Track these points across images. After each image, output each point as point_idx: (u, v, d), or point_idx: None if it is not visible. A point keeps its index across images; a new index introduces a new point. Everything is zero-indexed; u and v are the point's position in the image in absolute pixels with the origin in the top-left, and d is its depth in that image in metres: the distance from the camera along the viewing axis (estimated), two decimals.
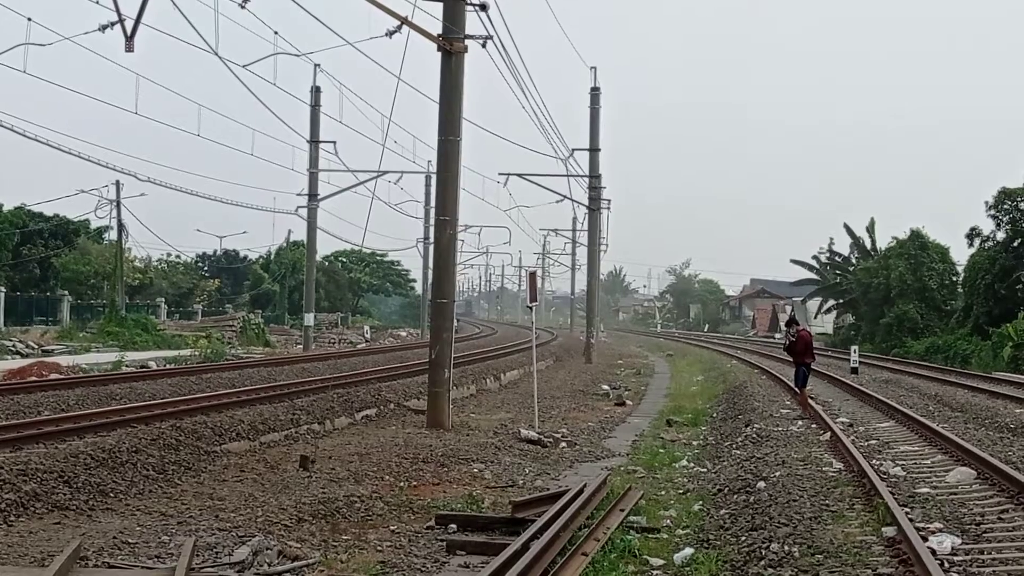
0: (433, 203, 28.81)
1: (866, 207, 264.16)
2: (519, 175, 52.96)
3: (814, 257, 76.35)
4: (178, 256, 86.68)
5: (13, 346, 43.22)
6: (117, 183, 62.30)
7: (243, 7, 21.61)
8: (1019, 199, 49.94)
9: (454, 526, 12.56)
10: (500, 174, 53.36)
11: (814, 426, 21.92)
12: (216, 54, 23.88)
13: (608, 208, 60.48)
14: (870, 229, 68.97)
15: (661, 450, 20.22)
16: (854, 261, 70.13)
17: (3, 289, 57.90)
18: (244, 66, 26.60)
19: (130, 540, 11.34)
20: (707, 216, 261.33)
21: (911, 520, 11.55)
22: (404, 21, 21.16)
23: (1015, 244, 48.58)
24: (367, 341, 67.52)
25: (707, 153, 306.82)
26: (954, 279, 58.52)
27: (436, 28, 21.35)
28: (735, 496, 14.47)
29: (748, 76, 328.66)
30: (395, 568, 10.68)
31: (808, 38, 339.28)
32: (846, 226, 71.21)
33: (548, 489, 14.75)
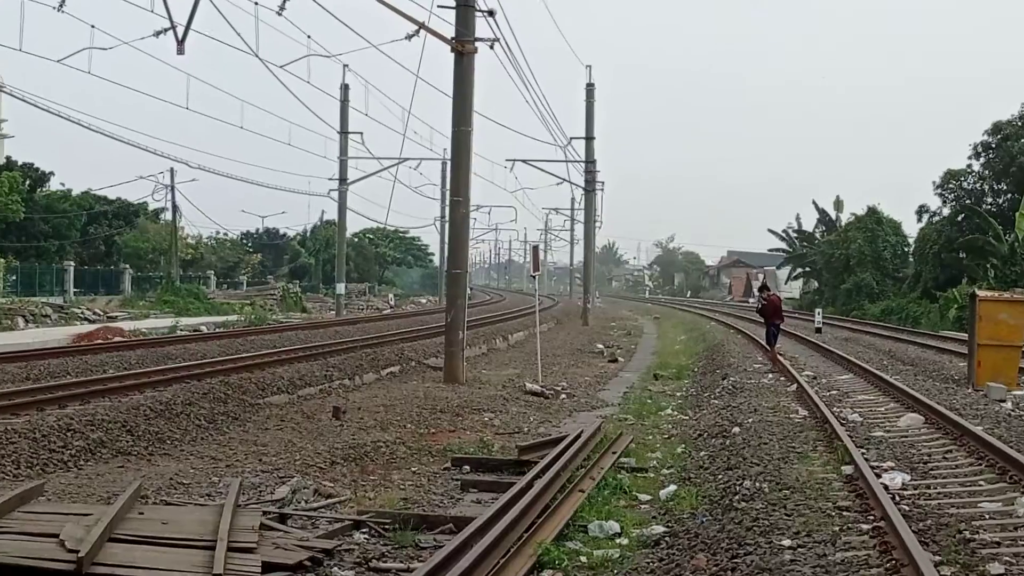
0: (448, 186, 28.72)
1: (832, 183, 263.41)
2: (524, 161, 52.94)
3: (784, 231, 76.18)
4: (225, 234, 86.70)
5: (82, 313, 43.26)
6: (171, 170, 62.51)
7: (280, 14, 21.54)
8: (962, 179, 49.94)
9: (467, 467, 12.62)
10: (507, 160, 53.36)
11: (782, 379, 21.96)
12: (257, 56, 23.81)
13: (602, 190, 60.60)
14: (837, 205, 68.63)
15: (648, 400, 20.25)
16: (819, 236, 69.90)
17: (73, 263, 57.98)
18: (281, 66, 26.55)
19: (184, 481, 11.41)
20: (690, 194, 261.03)
21: (867, 460, 11.58)
22: (421, 26, 21.09)
23: (959, 219, 48.51)
24: (391, 307, 67.57)
25: (690, 135, 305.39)
26: (906, 250, 58.42)
27: (449, 32, 21.29)
28: (713, 440, 14.51)
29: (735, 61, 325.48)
30: (416, 504, 10.72)
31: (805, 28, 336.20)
32: (814, 202, 71.03)
33: (550, 435, 14.81)
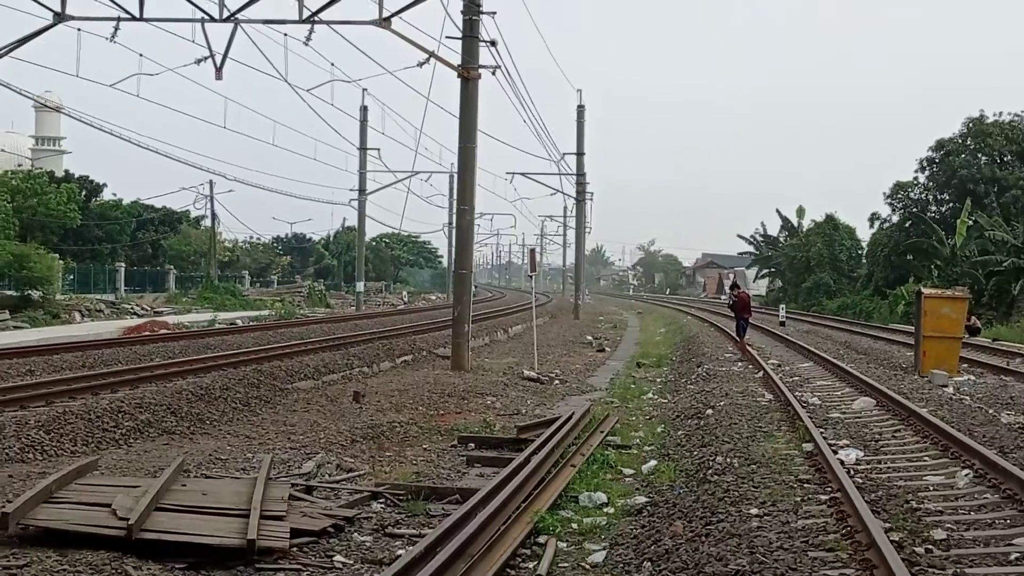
0: (455, 196, 28.71)
1: (795, 193, 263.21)
2: (522, 174, 53.50)
3: (752, 236, 76.07)
4: (258, 238, 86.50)
5: (131, 309, 43.25)
6: (210, 182, 62.51)
7: (306, 43, 21.50)
8: (909, 190, 50.00)
9: (472, 445, 12.60)
10: (507, 173, 53.84)
11: (750, 367, 21.95)
12: (286, 81, 23.73)
13: (591, 199, 60.64)
14: (799, 213, 68.42)
15: (632, 386, 20.25)
16: (782, 240, 69.78)
17: (123, 265, 58.04)
18: (308, 90, 26.43)
19: (222, 457, 11.41)
20: (670, 203, 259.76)
21: (825, 438, 11.58)
22: (432, 55, 21.05)
23: (906, 225, 48.53)
24: (405, 303, 67.54)
25: (670, 150, 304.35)
26: (859, 252, 58.34)
27: (456, 60, 21.25)
28: (689, 421, 14.50)
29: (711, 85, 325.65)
30: (427, 477, 10.71)
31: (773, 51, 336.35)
32: (778, 210, 70.78)
33: (545, 416, 14.78)
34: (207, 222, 68.41)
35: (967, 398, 16.10)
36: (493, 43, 21.96)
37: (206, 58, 21.24)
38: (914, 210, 48.87)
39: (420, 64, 21.24)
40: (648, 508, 9.18)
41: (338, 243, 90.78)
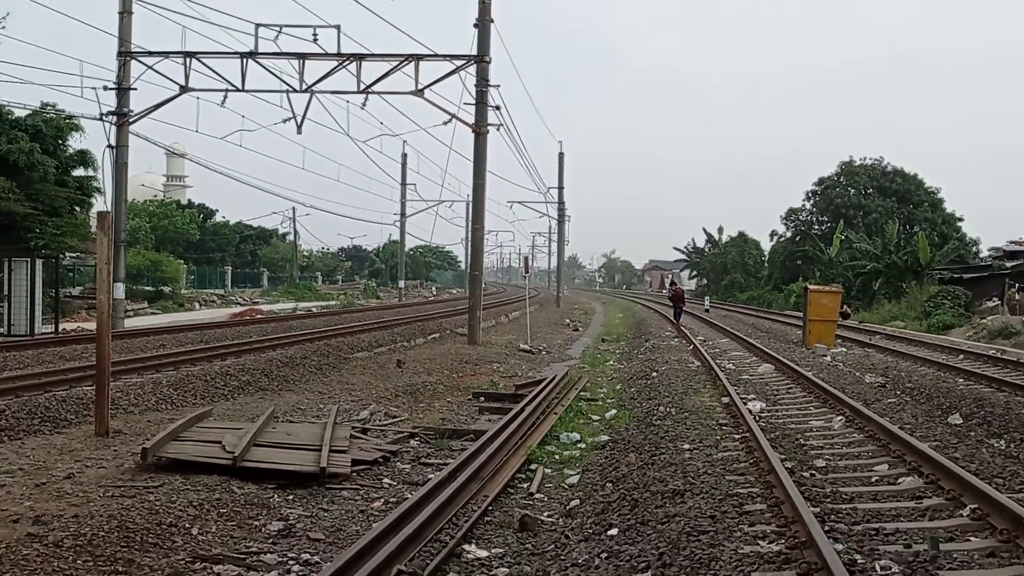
0: (470, 217, 28.69)
1: (718, 214, 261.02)
2: (519, 202, 54.78)
3: (685, 247, 75.90)
4: (327, 249, 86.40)
5: (235, 300, 43.26)
6: (293, 208, 63.25)
7: (363, 107, 21.54)
8: (799, 214, 50.00)
9: (483, 398, 12.59)
10: (508, 201, 54.68)
11: (684, 342, 21.97)
12: (348, 135, 23.74)
13: (569, 220, 60.75)
14: (719, 231, 68.33)
15: (599, 355, 20.25)
16: (707, 250, 69.62)
17: (230, 268, 58.07)
18: (364, 142, 26.66)
19: (301, 407, 11.39)
20: (626, 223, 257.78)
21: (738, 393, 11.60)
22: (453, 116, 21.06)
23: (797, 239, 48.51)
24: (433, 296, 67.43)
25: (627, 181, 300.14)
26: (763, 259, 58.29)
27: (471, 119, 21.23)
28: (640, 381, 14.51)
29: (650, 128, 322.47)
30: (450, 421, 10.70)
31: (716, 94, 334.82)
32: (704, 228, 71.07)
33: (535, 377, 14.81)
34: (291, 237, 68.70)
35: (840, 364, 16.12)
36: (497, 107, 21.95)
37: (290, 118, 21.23)
38: (802, 228, 48.82)
39: (445, 123, 21.31)
40: (610, 444, 9.19)
41: (385, 252, 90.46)
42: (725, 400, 11.27)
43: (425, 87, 20.48)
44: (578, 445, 9.28)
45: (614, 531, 5.79)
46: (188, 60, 20.79)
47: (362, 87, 20.60)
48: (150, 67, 21.48)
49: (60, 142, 28.17)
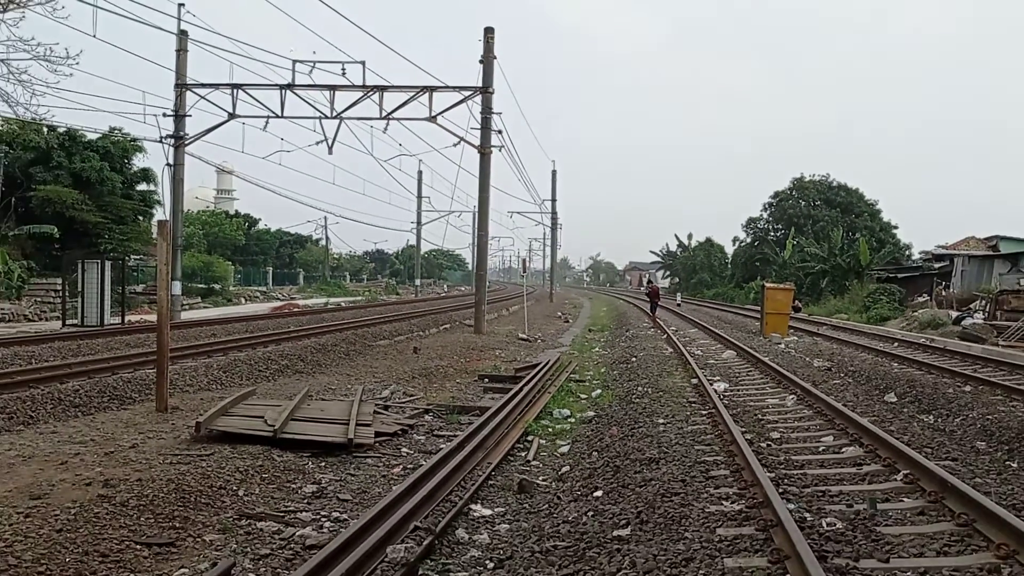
0: (476, 225, 28.67)
1: (688, 220, 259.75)
2: (518, 212, 56.24)
3: (659, 250, 75.76)
4: (354, 252, 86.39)
5: (276, 296, 43.16)
6: (325, 217, 63.80)
7: (384, 131, 21.53)
8: (757, 222, 49.91)
9: (487, 380, 12.54)
10: (508, 211, 54.81)
11: (659, 332, 21.93)
12: (371, 155, 23.93)
13: (561, 227, 60.77)
14: (689, 237, 68.19)
15: (586, 343, 20.19)
16: (679, 253, 69.56)
17: (271, 268, 57.95)
18: (385, 161, 26.75)
19: (332, 387, 11.36)
20: (609, 228, 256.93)
21: (705, 376, 11.59)
22: (461, 139, 21.03)
23: (755, 244, 48.44)
24: (445, 293, 67.38)
25: (611, 194, 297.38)
26: (727, 261, 58.26)
27: (477, 141, 21.19)
28: (621, 365, 14.48)
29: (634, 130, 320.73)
30: (459, 399, 10.67)
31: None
32: (675, 235, 70.92)
33: (532, 362, 14.79)
34: (323, 242, 68.71)
35: (793, 351, 16.09)
36: (500, 131, 21.92)
37: (322, 141, 21.20)
38: (760, 235, 48.71)
39: (454, 144, 21.27)
40: (595, 419, 9.18)
41: (404, 255, 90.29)
42: (694, 381, 11.25)
43: (438, 114, 20.47)
44: (568, 420, 9.27)
45: (599, 493, 5.79)
46: (235, 91, 20.80)
47: (384, 114, 20.58)
48: (203, 97, 21.57)
49: (126, 161, 28.23)
